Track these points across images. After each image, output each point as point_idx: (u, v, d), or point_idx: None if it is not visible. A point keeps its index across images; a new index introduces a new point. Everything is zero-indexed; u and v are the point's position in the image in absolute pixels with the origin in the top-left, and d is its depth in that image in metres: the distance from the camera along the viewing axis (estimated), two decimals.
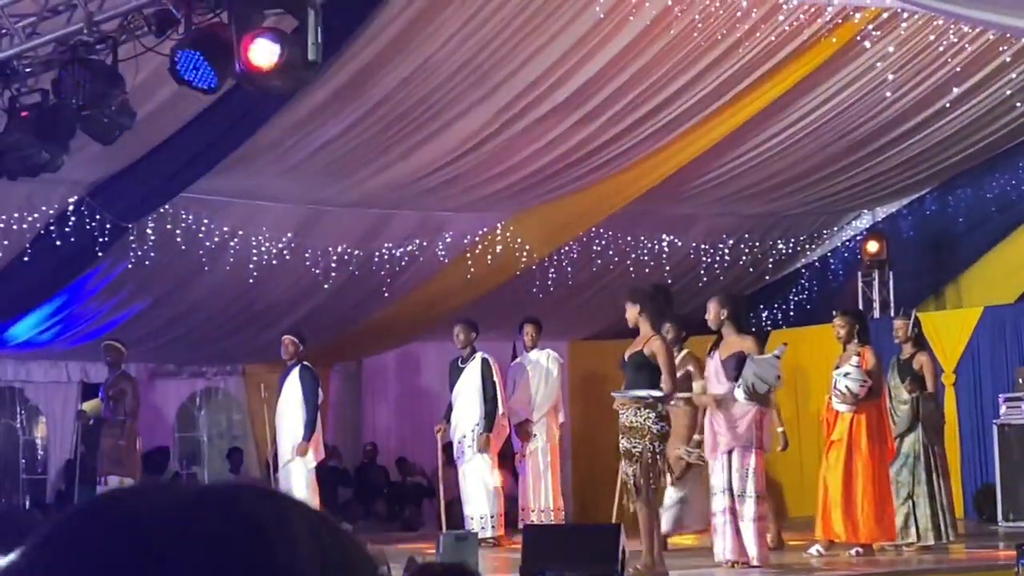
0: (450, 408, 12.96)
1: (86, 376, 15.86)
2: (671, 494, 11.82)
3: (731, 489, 10.28)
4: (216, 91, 7.29)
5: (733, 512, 10.28)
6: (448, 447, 13.27)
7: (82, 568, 0.94)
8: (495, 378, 12.74)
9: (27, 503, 15.91)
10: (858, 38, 12.60)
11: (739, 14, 12.07)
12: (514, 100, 12.96)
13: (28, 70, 8.15)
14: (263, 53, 6.86)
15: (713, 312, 10.52)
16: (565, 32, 12.11)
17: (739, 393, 10.27)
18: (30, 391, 16.17)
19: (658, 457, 10.19)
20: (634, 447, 10.17)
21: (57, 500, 15.60)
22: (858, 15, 12.09)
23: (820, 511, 11.55)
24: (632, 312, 10.62)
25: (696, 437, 11.72)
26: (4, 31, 8.10)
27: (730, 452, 10.36)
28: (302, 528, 0.97)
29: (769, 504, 10.95)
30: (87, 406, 13.89)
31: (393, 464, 17.09)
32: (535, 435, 13.15)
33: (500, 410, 12.73)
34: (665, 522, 11.46)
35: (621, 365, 10.85)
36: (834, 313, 11.88)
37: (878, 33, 12.53)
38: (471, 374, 12.69)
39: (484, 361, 12.76)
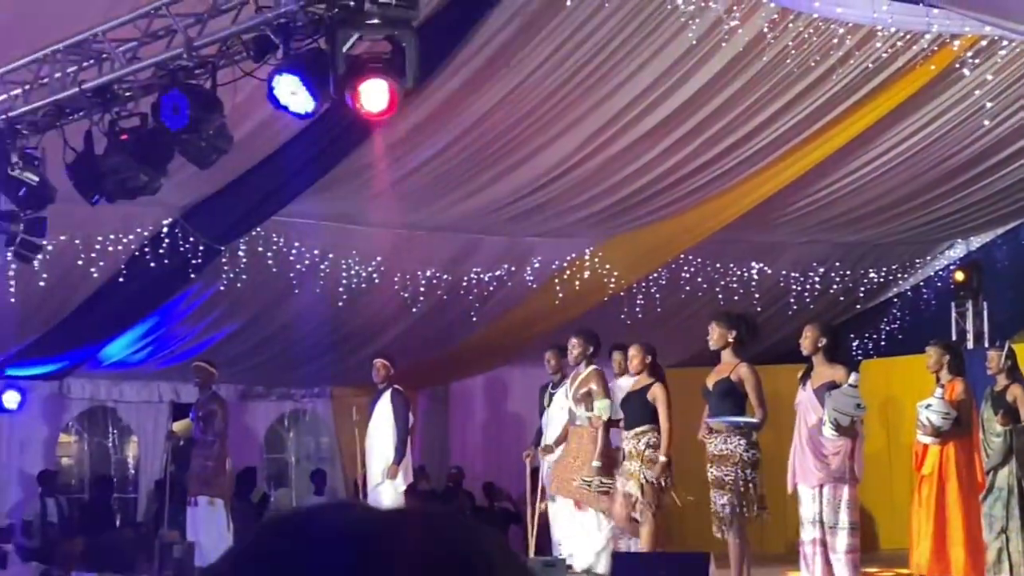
0: (539, 433, 12.92)
1: (177, 396, 16.02)
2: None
3: (822, 520, 10.15)
4: (313, 116, 7.36)
5: (823, 544, 10.14)
6: (536, 472, 13.22)
7: None
8: None
9: (118, 522, 16.10)
10: (956, 65, 12.44)
11: (834, 41, 11.97)
12: (605, 126, 12.95)
13: (128, 94, 8.27)
14: (374, 96, 6.92)
15: (811, 339, 10.36)
16: (656, 59, 12.08)
17: (827, 430, 10.16)
18: (122, 411, 16.37)
19: (750, 485, 10.13)
20: (725, 475, 10.12)
21: (149, 519, 15.75)
22: (956, 42, 11.94)
23: (912, 545, 11.40)
24: (721, 336, 10.59)
25: (595, 464, 11.47)
26: (105, 55, 8.22)
27: (821, 485, 10.22)
28: (495, 554, 0.98)
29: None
30: (177, 426, 14.03)
31: (479, 489, 17.08)
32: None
33: None
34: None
35: (704, 393, 10.80)
36: (927, 344, 11.71)
37: (976, 60, 12.36)
38: (562, 400, 12.63)
39: None
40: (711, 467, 10.26)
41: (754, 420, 10.17)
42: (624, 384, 13.40)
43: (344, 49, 6.88)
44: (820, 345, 10.43)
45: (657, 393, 11.41)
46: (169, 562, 12.56)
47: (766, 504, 10.56)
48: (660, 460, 11.24)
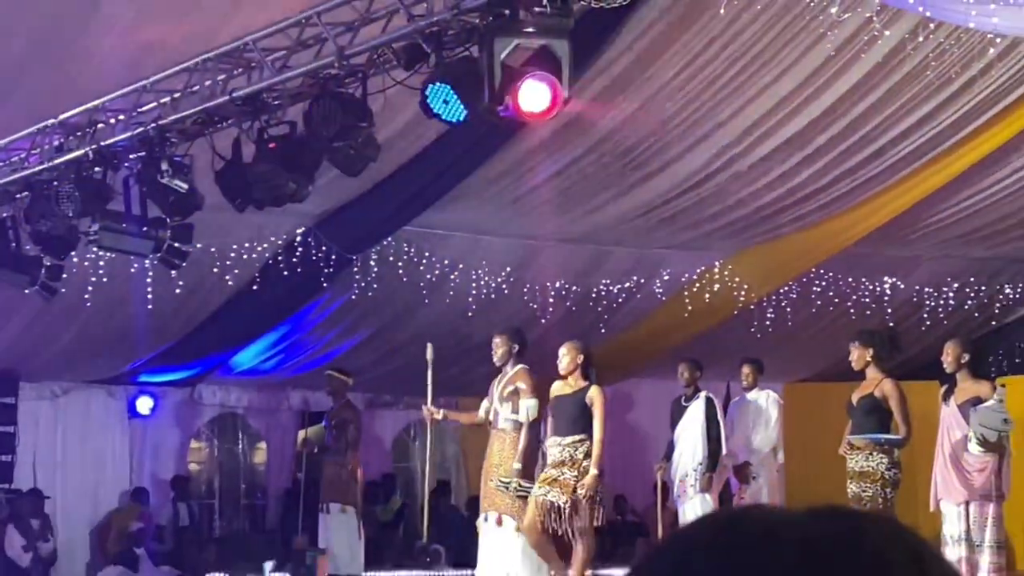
0: (671, 446, 12.84)
1: (306, 404, 16.15)
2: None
3: (968, 539, 9.97)
4: (464, 124, 7.36)
5: (969, 563, 9.96)
6: (666, 486, 13.13)
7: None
8: (719, 418, 12.59)
9: (247, 528, 16.27)
10: None
11: (976, 51, 11.75)
12: (739, 138, 12.82)
13: (277, 102, 8.33)
14: (534, 97, 6.87)
15: (953, 355, 10.23)
16: (793, 69, 11.93)
17: (973, 446, 10.00)
18: (252, 417, 16.55)
19: (889, 503, 9.97)
20: (864, 492, 9.98)
21: (277, 526, 15.89)
22: None
23: None
24: (860, 356, 10.48)
25: (516, 465, 10.44)
26: (255, 64, 8.30)
27: (967, 502, 10.05)
28: (938, 558, 0.95)
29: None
30: (311, 433, 14.14)
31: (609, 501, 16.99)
32: (755, 477, 12.94)
33: (723, 450, 12.58)
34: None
35: (848, 409, 10.67)
36: None
37: None
38: (695, 413, 12.55)
39: (709, 400, 12.61)
40: (851, 483, 10.12)
41: (897, 437, 10.03)
42: (752, 397, 13.30)
43: (500, 58, 6.86)
44: (963, 361, 10.29)
45: (595, 396, 10.61)
46: (301, 569, 12.65)
47: None
48: (593, 473, 10.30)
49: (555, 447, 10.49)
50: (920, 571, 0.94)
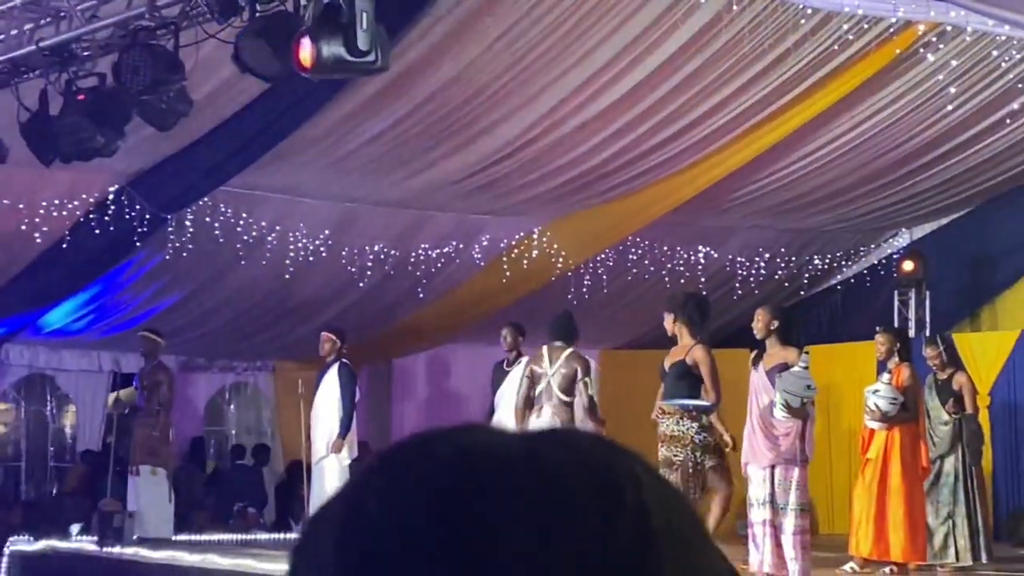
0: (492, 411, 12.86)
1: (118, 366, 15.88)
2: None
3: (772, 502, 10.19)
4: (278, 79, 7.26)
5: (774, 525, 10.18)
6: None
7: (426, 496, 0.87)
8: None
9: (55, 491, 15.93)
10: (920, 50, 12.47)
11: (788, 24, 11.99)
12: (557, 106, 12.91)
13: (86, 53, 8.13)
14: (305, 52, 6.81)
15: (763, 322, 10.39)
16: (611, 39, 12.05)
17: (778, 411, 10.18)
18: (61, 379, 16.20)
19: (699, 467, 10.13)
20: (675, 456, 10.10)
21: (85, 489, 15.59)
22: (921, 26, 11.94)
23: (852, 528, 11.48)
24: (671, 321, 10.58)
25: None
26: (63, 13, 8.08)
27: (772, 466, 10.26)
28: (648, 476, 0.91)
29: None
30: (123, 394, 13.88)
31: None
32: None
33: None
34: None
35: (661, 374, 10.78)
36: (877, 330, 11.79)
37: (936, 40, 12.34)
38: (516, 378, 12.56)
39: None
40: (661, 447, 10.23)
41: (705, 403, 10.15)
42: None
43: (312, 12, 6.78)
44: (772, 328, 10.45)
45: None
46: (109, 531, 12.43)
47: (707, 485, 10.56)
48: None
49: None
50: (611, 502, 0.86)
